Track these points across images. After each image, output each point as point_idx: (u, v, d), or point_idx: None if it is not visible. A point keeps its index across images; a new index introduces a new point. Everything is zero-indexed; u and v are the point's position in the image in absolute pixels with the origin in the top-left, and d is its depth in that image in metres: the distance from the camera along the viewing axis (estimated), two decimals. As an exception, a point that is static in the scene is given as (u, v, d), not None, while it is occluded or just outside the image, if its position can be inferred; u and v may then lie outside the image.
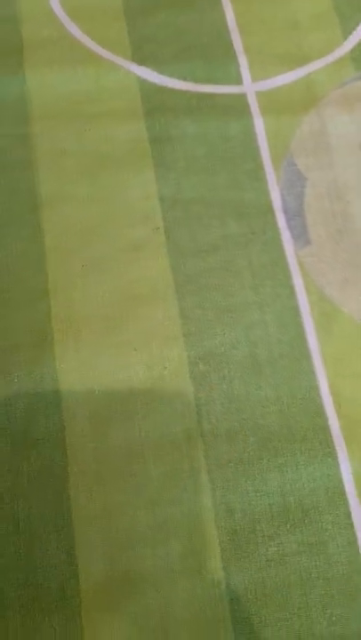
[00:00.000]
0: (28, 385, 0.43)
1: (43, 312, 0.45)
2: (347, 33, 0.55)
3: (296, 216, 0.48)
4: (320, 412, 0.42)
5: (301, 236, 0.48)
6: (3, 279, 0.46)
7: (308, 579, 0.39)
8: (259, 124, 0.51)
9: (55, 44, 0.54)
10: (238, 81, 0.53)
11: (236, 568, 0.39)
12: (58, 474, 0.41)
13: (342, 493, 0.40)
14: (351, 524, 0.40)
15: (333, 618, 0.38)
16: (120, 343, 0.44)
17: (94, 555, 0.39)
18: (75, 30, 0.55)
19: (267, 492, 0.40)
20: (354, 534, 0.40)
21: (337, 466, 0.41)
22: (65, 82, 0.52)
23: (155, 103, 0.52)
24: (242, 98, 0.52)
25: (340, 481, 0.41)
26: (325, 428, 0.42)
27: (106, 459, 0.41)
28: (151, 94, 0.52)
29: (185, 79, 0.52)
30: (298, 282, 0.46)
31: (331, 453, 0.41)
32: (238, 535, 0.40)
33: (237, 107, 0.52)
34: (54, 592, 0.38)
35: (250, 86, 0.52)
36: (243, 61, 0.53)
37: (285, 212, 0.49)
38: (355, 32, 0.55)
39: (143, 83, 0.52)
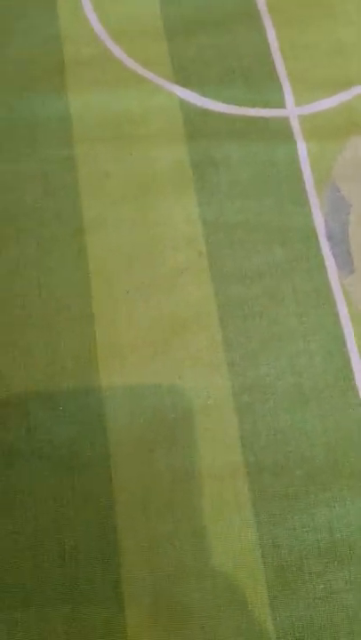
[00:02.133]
0: (74, 412, 0.43)
1: (88, 338, 0.45)
2: (389, 56, 0.54)
3: (340, 243, 0.48)
4: (367, 446, 0.42)
5: (346, 264, 0.47)
6: (48, 304, 0.45)
7: (356, 617, 0.38)
8: (302, 149, 0.51)
9: (97, 64, 0.54)
10: (281, 104, 0.52)
11: (283, 605, 0.39)
12: (103, 502, 0.41)
13: (391, 530, 0.40)
14: None
15: (384, 659, 0.37)
16: (164, 370, 0.44)
17: (141, 588, 0.39)
18: (116, 50, 0.55)
19: (314, 528, 0.40)
20: None
21: (385, 502, 0.40)
22: (107, 103, 0.52)
23: (197, 126, 0.51)
24: (285, 122, 0.52)
25: (389, 517, 0.40)
26: (373, 463, 0.41)
27: (151, 487, 0.41)
28: (193, 117, 0.52)
29: (227, 102, 0.52)
30: (342, 310, 0.46)
31: (379, 489, 0.41)
32: (285, 571, 0.39)
33: (280, 131, 0.51)
34: (100, 627, 0.38)
35: (293, 110, 0.52)
36: (285, 85, 0.53)
37: (330, 238, 0.48)
38: None
39: (185, 105, 0.52)
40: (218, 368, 0.44)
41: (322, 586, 0.39)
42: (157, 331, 0.45)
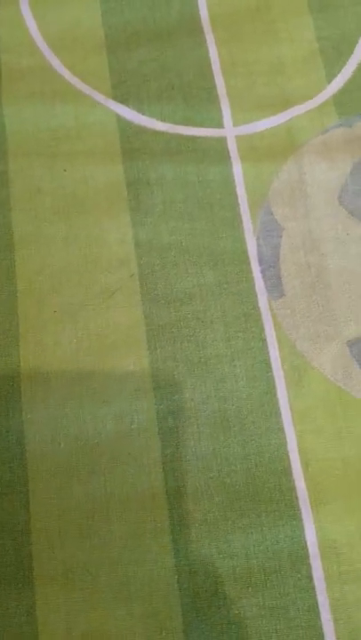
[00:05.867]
0: (-6, 436, 0.42)
1: (12, 358, 0.44)
2: (330, 77, 0.55)
3: (271, 267, 0.48)
4: (287, 472, 0.42)
5: (276, 288, 0.48)
6: (-28, 324, 0.45)
7: (268, 643, 0.39)
8: (237, 170, 0.51)
9: (35, 75, 0.53)
10: (219, 124, 0.52)
11: (198, 630, 0.39)
12: (19, 529, 0.41)
13: (305, 557, 0.41)
14: (313, 588, 0.40)
15: None
16: (89, 394, 0.44)
17: (55, 615, 0.39)
18: (55, 62, 0.54)
19: (230, 554, 0.40)
20: (315, 598, 0.40)
21: (301, 528, 0.41)
22: (43, 117, 0.52)
23: (133, 144, 0.51)
24: (222, 142, 0.52)
25: (304, 544, 0.41)
26: (292, 489, 0.42)
27: (69, 515, 0.41)
28: (130, 134, 0.51)
29: (165, 120, 0.52)
30: (270, 334, 0.46)
31: (295, 515, 0.41)
32: (200, 597, 0.40)
33: (217, 151, 0.51)
34: (12, 652, 0.38)
35: (231, 130, 0.52)
36: (224, 104, 0.53)
37: (261, 262, 0.48)
38: (339, 76, 0.55)
39: (122, 122, 0.52)
40: (144, 392, 0.44)
41: (236, 611, 0.40)
42: (84, 353, 0.45)
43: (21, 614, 0.39)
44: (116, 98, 0.52)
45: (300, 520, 0.41)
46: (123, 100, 0.52)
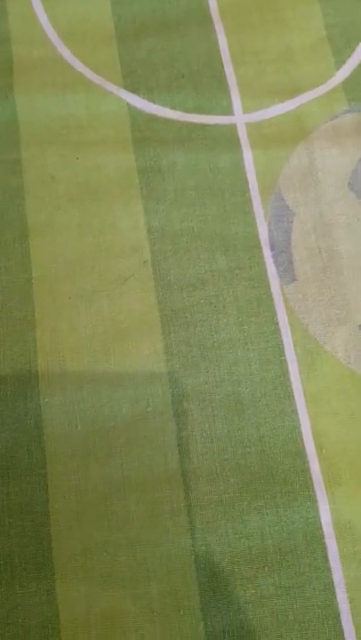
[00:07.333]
0: (11, 418, 0.43)
1: (28, 344, 0.45)
2: (339, 63, 0.55)
3: (283, 252, 0.49)
4: (301, 454, 0.43)
5: (287, 273, 0.48)
6: (-12, 310, 0.46)
7: (285, 621, 0.39)
8: (248, 157, 0.51)
9: (46, 66, 0.54)
10: (229, 111, 0.53)
11: (215, 609, 0.40)
12: (39, 510, 0.41)
13: (320, 537, 0.41)
14: (328, 568, 0.40)
15: (308, 662, 0.39)
16: (105, 378, 0.44)
17: (75, 593, 0.40)
18: (66, 53, 0.54)
19: (246, 535, 0.41)
20: (330, 578, 0.40)
21: (316, 509, 0.41)
22: (55, 107, 0.52)
23: (145, 132, 0.51)
24: (232, 129, 0.52)
25: (319, 525, 0.41)
26: (306, 471, 0.42)
27: (87, 497, 0.41)
28: (141, 123, 0.52)
29: (175, 108, 0.52)
30: (282, 319, 0.47)
31: (310, 497, 0.42)
32: (217, 576, 0.40)
33: (227, 138, 0.52)
34: (35, 630, 0.39)
35: (240, 117, 0.52)
36: (234, 91, 0.53)
37: (272, 247, 0.49)
38: (348, 62, 0.55)
39: (133, 110, 0.52)
40: (159, 376, 0.45)
41: (252, 591, 0.40)
42: (99, 338, 0.45)
43: (42, 593, 0.39)
44: (126, 87, 0.53)
45: (315, 501, 0.42)
46: (133, 89, 0.53)
